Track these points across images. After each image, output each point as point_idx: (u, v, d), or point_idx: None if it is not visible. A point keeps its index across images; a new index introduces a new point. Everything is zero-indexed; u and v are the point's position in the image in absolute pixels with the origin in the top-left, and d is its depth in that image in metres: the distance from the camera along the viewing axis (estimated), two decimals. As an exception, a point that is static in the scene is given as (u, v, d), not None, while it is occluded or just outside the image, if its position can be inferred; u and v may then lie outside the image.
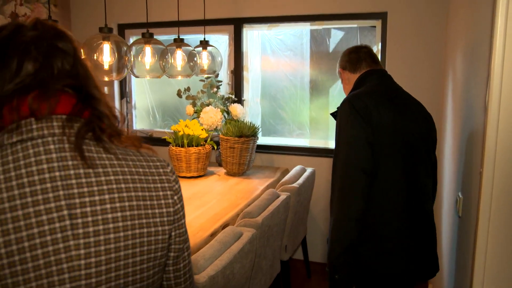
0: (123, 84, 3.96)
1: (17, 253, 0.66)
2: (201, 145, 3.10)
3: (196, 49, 2.91)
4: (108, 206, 0.72)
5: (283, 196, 2.47)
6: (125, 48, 2.38)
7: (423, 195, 1.67)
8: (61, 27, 0.81)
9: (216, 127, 3.16)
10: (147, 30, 2.53)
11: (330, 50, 3.46)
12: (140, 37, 2.55)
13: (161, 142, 3.42)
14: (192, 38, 3.52)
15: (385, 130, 1.58)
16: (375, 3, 3.12)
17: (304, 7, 3.30)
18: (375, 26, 3.24)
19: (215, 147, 3.30)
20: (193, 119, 3.24)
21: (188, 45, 2.84)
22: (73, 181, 0.71)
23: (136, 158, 0.80)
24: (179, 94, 3.43)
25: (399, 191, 1.60)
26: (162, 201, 0.80)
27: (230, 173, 3.14)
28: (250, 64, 3.62)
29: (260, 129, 3.24)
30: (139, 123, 4.10)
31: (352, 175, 1.57)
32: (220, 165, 3.39)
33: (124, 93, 3.98)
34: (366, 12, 3.16)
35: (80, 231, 0.70)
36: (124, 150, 0.80)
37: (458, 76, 2.22)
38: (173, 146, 3.08)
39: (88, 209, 0.71)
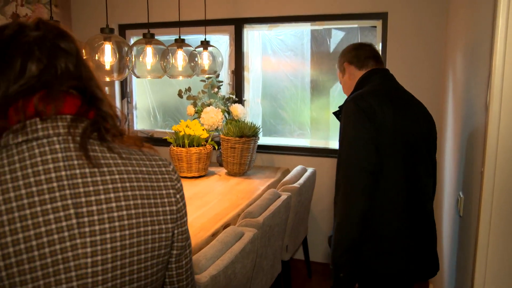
0: (124, 84, 3.96)
1: (25, 251, 0.66)
2: (202, 145, 3.10)
3: (197, 49, 2.92)
4: (113, 204, 0.73)
5: (284, 196, 2.48)
6: (126, 49, 2.39)
7: (423, 195, 1.67)
8: (64, 27, 0.81)
9: (217, 127, 3.16)
10: (148, 30, 2.53)
11: (331, 50, 3.47)
12: (141, 37, 2.55)
13: (162, 142, 3.43)
14: (193, 38, 3.52)
15: (388, 130, 1.58)
16: (375, 3, 3.12)
17: (304, 7, 3.30)
18: (375, 26, 3.25)
19: (216, 147, 3.31)
20: (194, 119, 3.25)
21: (189, 46, 2.85)
22: (79, 181, 0.72)
23: (139, 157, 0.81)
24: (180, 94, 3.43)
25: (399, 191, 1.60)
26: (165, 200, 0.81)
27: (231, 173, 3.15)
28: (251, 64, 3.63)
29: (261, 129, 3.25)
30: (140, 123, 4.10)
31: (356, 175, 1.57)
32: (221, 165, 3.39)
33: (125, 94, 3.98)
34: (367, 12, 3.17)
35: (87, 229, 0.71)
36: (127, 150, 0.81)
37: (458, 76, 2.22)
38: (174, 146, 3.09)
39: (94, 208, 0.72)
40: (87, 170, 0.73)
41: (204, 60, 2.98)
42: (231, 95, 3.45)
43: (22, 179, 0.68)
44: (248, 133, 3.05)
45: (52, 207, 0.69)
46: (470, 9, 1.97)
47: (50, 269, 0.68)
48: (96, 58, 2.26)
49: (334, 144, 3.46)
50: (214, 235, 2.04)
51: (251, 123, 3.12)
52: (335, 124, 3.44)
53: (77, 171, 0.72)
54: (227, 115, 3.35)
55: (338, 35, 3.44)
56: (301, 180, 2.83)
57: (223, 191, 2.77)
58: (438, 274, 1.76)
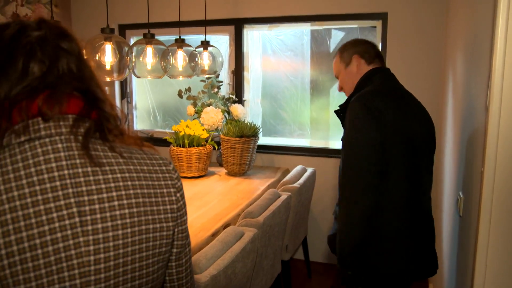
0: (124, 84, 3.96)
1: (28, 250, 0.67)
2: (202, 145, 3.10)
3: (197, 49, 2.92)
4: (116, 203, 0.74)
5: (284, 196, 2.48)
6: (126, 49, 2.39)
7: (423, 194, 1.68)
8: (65, 26, 0.82)
9: (217, 127, 3.17)
10: (149, 30, 2.53)
11: (331, 51, 3.47)
12: (141, 37, 2.56)
13: (162, 142, 3.43)
14: (193, 38, 3.53)
15: (393, 130, 1.58)
16: (375, 3, 3.13)
17: (304, 7, 3.30)
18: (375, 27, 3.25)
19: (216, 147, 3.31)
20: (194, 119, 3.25)
21: (189, 46, 2.85)
22: (82, 179, 0.72)
23: (140, 156, 0.82)
24: (180, 94, 3.43)
25: (401, 190, 1.60)
26: (166, 198, 0.82)
27: (231, 173, 3.15)
28: (251, 65, 3.63)
29: (260, 129, 3.25)
30: (140, 123, 4.10)
31: (364, 176, 1.56)
32: (221, 165, 3.39)
33: (125, 94, 3.98)
34: (367, 13, 3.17)
35: (89, 227, 0.71)
36: (128, 149, 0.81)
37: (458, 76, 2.23)
38: (174, 146, 3.09)
39: (97, 206, 0.72)
40: (89, 169, 0.73)
41: (204, 60, 2.98)
42: (231, 95, 3.45)
43: (25, 178, 0.68)
44: (248, 133, 3.05)
45: (55, 205, 0.69)
46: (470, 9, 1.97)
47: (54, 267, 0.68)
48: (97, 58, 2.26)
49: (334, 144, 3.46)
50: (214, 235, 2.04)
51: (251, 123, 3.13)
52: (335, 124, 3.44)
53: (80, 170, 0.72)
54: (227, 115, 3.35)
55: (338, 35, 3.44)
56: (301, 180, 2.83)
57: (223, 191, 2.77)
58: (438, 274, 1.76)
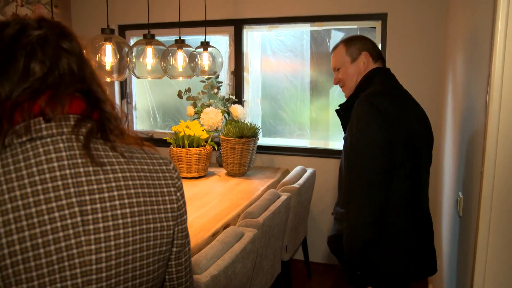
0: (124, 85, 3.96)
1: (31, 249, 0.67)
2: (201, 146, 3.10)
3: (197, 50, 2.92)
4: (117, 202, 0.74)
5: (284, 196, 2.48)
6: (126, 49, 2.39)
7: (422, 194, 1.68)
8: (65, 25, 0.81)
9: (217, 128, 3.17)
10: (149, 31, 2.53)
11: (330, 51, 3.47)
12: (141, 38, 2.56)
13: (161, 143, 3.43)
14: (193, 39, 3.53)
15: (398, 129, 1.58)
16: (375, 4, 3.13)
17: (304, 8, 3.31)
18: (375, 27, 3.25)
19: (216, 148, 3.31)
20: (193, 120, 3.25)
21: (189, 46, 2.85)
22: (83, 179, 0.72)
23: (140, 156, 0.82)
24: (179, 95, 3.43)
25: (403, 190, 1.60)
26: (166, 198, 0.82)
27: (230, 174, 3.15)
28: (251, 65, 3.63)
29: (260, 130, 3.25)
30: (140, 124, 4.10)
31: (373, 175, 1.55)
32: (220, 165, 3.39)
33: (125, 94, 3.99)
34: (366, 13, 3.17)
35: (91, 227, 0.72)
36: (129, 149, 0.81)
37: (458, 76, 2.23)
38: (174, 147, 3.09)
39: (98, 205, 0.72)
40: (90, 168, 0.73)
41: (204, 60, 2.98)
42: (230, 96, 3.45)
43: (27, 178, 0.69)
44: (248, 133, 3.05)
45: (57, 205, 0.69)
46: (470, 9, 1.98)
47: (56, 266, 0.69)
48: (97, 58, 2.26)
49: (334, 145, 3.47)
50: (214, 235, 2.04)
51: (251, 124, 3.13)
52: (335, 124, 3.45)
53: (81, 169, 0.73)
54: (227, 116, 3.35)
55: (337, 36, 3.44)
56: (301, 181, 2.83)
57: (223, 192, 2.77)
58: (437, 274, 1.77)
